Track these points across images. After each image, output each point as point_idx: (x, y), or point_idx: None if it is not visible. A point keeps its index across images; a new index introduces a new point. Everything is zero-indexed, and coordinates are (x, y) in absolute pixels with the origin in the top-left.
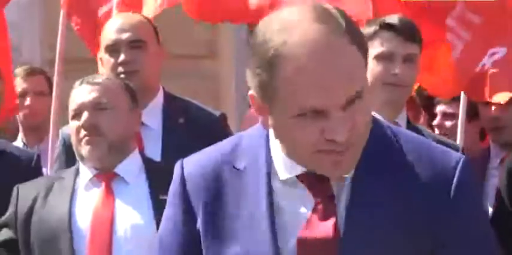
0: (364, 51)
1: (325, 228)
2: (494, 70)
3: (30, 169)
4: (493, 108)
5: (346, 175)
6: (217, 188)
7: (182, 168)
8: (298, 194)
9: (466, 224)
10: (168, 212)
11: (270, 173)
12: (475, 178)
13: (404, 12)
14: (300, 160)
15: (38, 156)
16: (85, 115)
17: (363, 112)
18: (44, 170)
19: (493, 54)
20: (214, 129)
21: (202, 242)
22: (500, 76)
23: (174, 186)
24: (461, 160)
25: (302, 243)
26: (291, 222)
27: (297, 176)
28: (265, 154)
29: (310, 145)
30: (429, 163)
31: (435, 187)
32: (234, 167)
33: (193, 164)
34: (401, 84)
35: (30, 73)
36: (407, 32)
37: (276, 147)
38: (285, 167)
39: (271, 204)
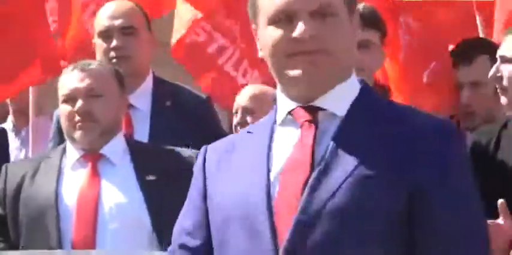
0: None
1: (304, 148)
2: (429, 81)
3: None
4: (463, 95)
5: (339, 114)
6: (230, 149)
7: (206, 149)
8: (295, 130)
9: (449, 173)
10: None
11: (275, 121)
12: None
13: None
14: (279, 68)
15: (1, 131)
16: (79, 102)
17: (336, 28)
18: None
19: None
20: (201, 111)
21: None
22: (431, 87)
23: (196, 164)
24: (448, 121)
25: (287, 163)
26: (285, 151)
27: (291, 114)
28: (274, 112)
29: (281, 47)
30: (416, 121)
31: (420, 140)
32: (248, 131)
33: (214, 143)
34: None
35: None
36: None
37: (278, 92)
38: (281, 109)
39: (270, 139)
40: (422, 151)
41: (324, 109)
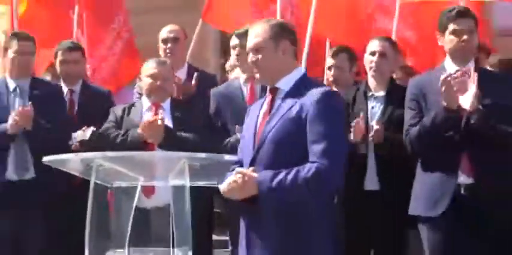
0: (277, 38)
1: (267, 107)
2: None
3: (107, 97)
4: (332, 73)
5: (285, 89)
6: (251, 109)
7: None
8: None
9: (317, 118)
10: None
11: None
12: (334, 102)
13: None
14: None
15: (110, 92)
16: (159, 81)
17: (260, 59)
18: None
19: None
20: (209, 84)
21: None
22: None
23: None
24: (326, 90)
25: (261, 116)
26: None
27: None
28: None
29: None
30: (313, 90)
31: (311, 101)
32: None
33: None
34: None
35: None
36: None
37: None
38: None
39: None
40: (310, 104)
41: (278, 88)
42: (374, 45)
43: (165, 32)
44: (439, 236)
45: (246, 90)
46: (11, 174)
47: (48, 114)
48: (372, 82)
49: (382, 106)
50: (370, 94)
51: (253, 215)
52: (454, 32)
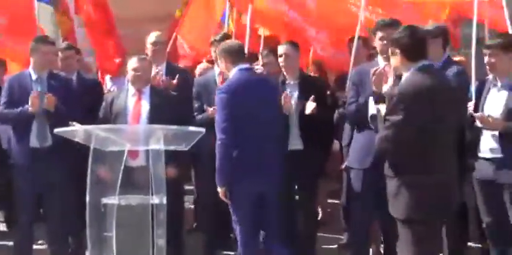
0: None
1: None
2: None
3: (97, 85)
4: None
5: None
6: None
7: None
8: None
9: None
10: None
11: None
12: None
13: None
14: None
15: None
16: (139, 72)
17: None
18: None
19: None
20: (185, 75)
21: None
22: None
23: None
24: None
25: None
26: None
27: None
28: None
29: None
30: None
31: None
32: None
33: None
34: None
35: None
36: None
37: None
38: None
39: None
40: None
41: None
42: (281, 48)
43: (153, 37)
44: (361, 183)
45: (218, 80)
46: (34, 142)
47: (59, 99)
48: (285, 74)
49: (297, 92)
50: (287, 82)
51: None
52: (380, 38)
